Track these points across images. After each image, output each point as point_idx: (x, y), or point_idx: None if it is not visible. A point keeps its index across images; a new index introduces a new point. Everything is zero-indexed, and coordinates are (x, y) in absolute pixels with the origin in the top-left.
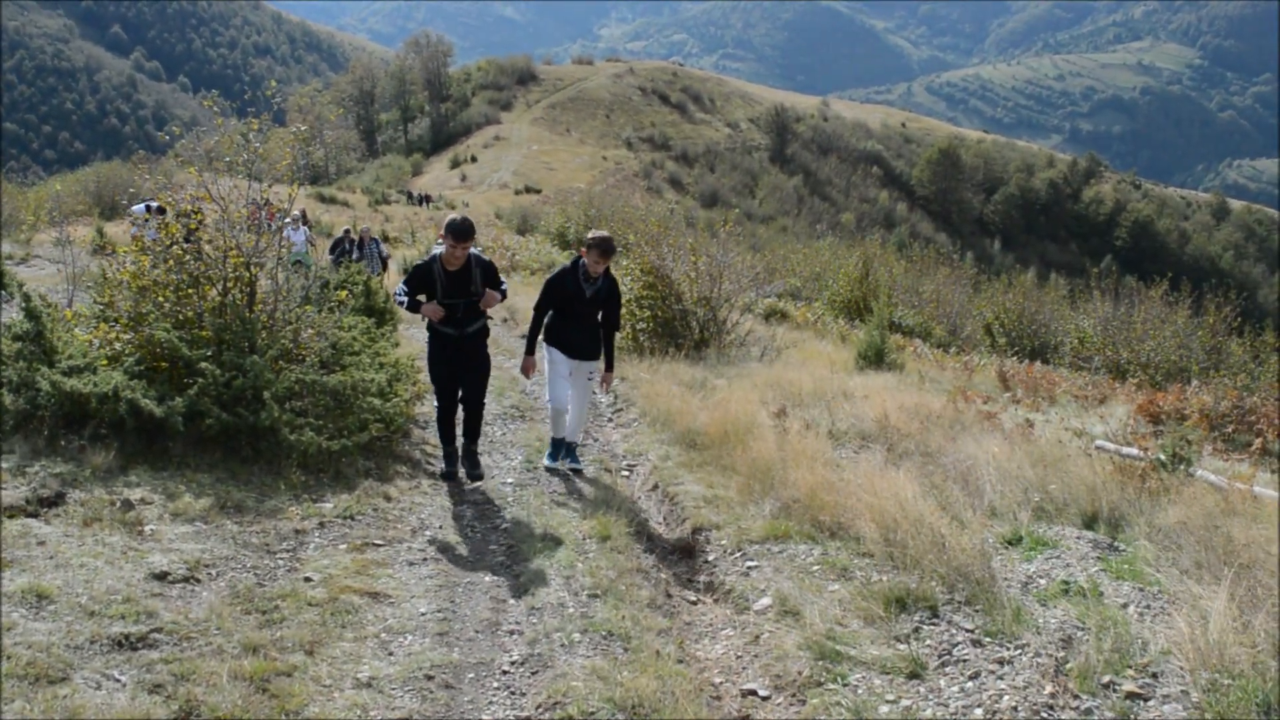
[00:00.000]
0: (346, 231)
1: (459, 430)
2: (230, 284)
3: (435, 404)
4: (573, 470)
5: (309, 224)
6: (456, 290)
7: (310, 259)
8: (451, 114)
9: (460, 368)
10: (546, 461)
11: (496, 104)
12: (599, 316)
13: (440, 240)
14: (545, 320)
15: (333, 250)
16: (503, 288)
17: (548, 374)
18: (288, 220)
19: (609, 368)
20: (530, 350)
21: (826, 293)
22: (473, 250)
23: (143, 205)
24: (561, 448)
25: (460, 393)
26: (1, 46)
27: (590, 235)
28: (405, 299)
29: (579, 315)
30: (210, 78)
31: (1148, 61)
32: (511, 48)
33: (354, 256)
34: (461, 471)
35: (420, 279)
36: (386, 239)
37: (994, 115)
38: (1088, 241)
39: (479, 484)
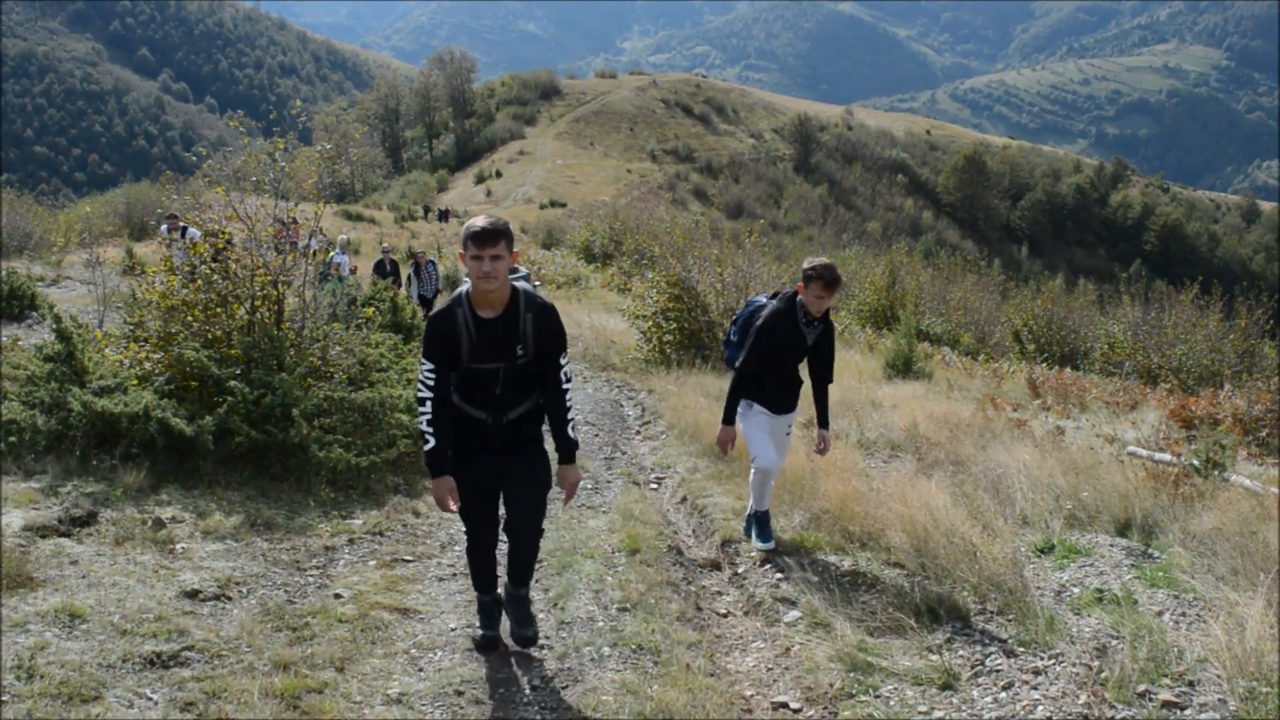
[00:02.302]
0: (386, 252)
1: (500, 569)
2: (258, 302)
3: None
4: (764, 550)
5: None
6: (493, 350)
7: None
8: (476, 130)
9: (500, 475)
10: (758, 543)
11: (520, 119)
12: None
13: (463, 260)
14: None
15: (375, 272)
16: (564, 371)
17: (754, 433)
18: (337, 249)
19: (825, 424)
20: (730, 418)
21: (853, 301)
22: (519, 278)
23: (165, 227)
24: (767, 521)
25: (502, 516)
26: (25, 69)
27: (809, 264)
28: (428, 393)
29: (786, 365)
30: (237, 98)
31: (1174, 64)
32: (534, 62)
33: (409, 278)
34: (505, 632)
35: (438, 340)
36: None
37: (1019, 121)
38: (1116, 246)
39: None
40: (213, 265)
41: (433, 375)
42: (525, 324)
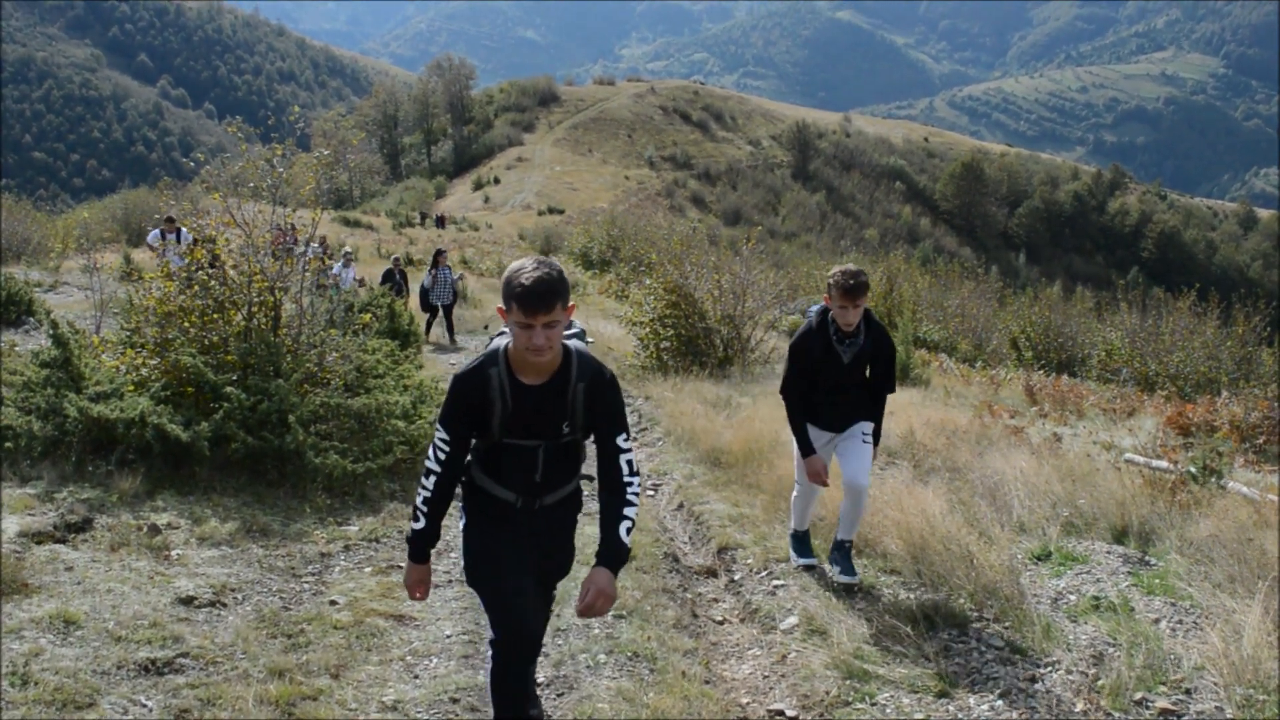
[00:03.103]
0: (396, 261)
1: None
2: (255, 308)
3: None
4: (844, 585)
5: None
6: (533, 424)
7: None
8: (474, 136)
9: (536, 570)
10: (798, 559)
11: (519, 125)
12: (862, 378)
13: (501, 327)
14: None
15: (384, 282)
16: (625, 459)
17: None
18: (339, 261)
19: (876, 439)
20: (806, 448)
21: None
22: (572, 334)
23: (156, 231)
24: (836, 547)
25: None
26: (24, 74)
27: (831, 274)
28: (436, 467)
29: (837, 386)
30: (235, 104)
31: (1171, 71)
32: (533, 69)
33: (426, 283)
34: None
35: (462, 405)
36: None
37: (1017, 128)
38: (1114, 253)
39: None
40: (209, 271)
41: (447, 447)
42: (576, 395)
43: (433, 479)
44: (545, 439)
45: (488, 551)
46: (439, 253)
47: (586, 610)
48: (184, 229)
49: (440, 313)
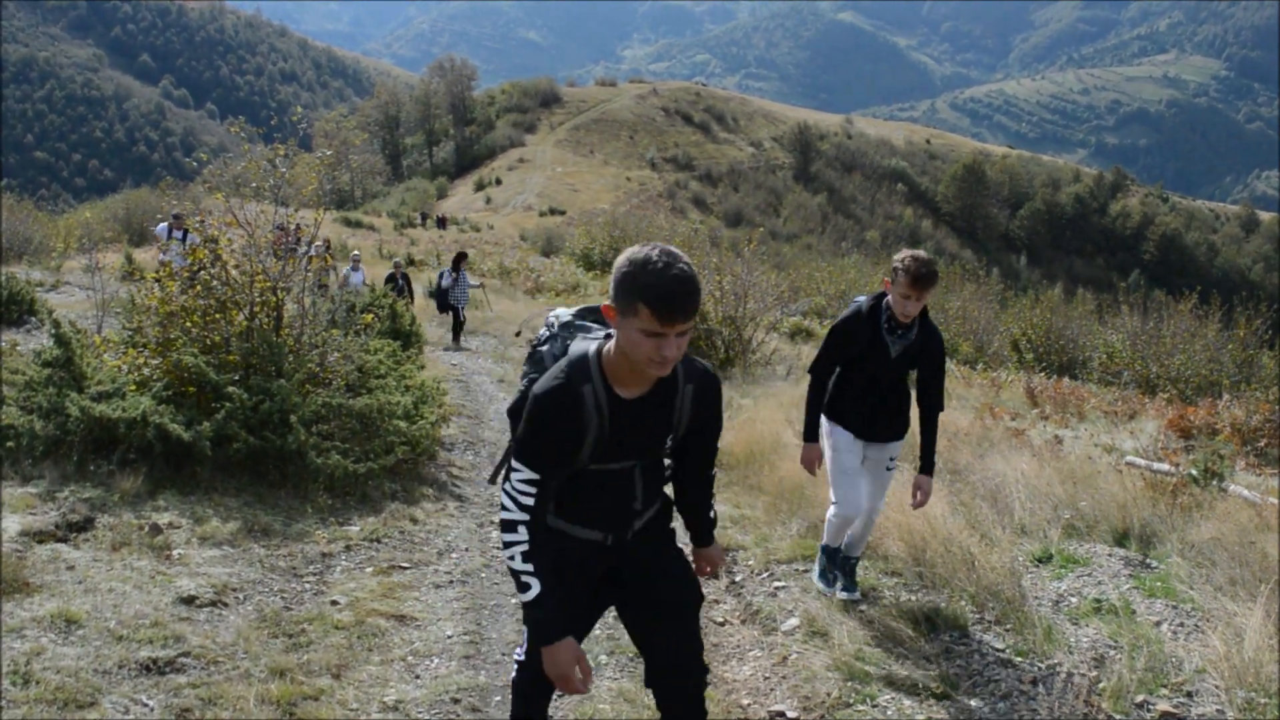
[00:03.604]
0: (398, 264)
1: None
2: (257, 308)
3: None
4: (849, 600)
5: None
6: (632, 442)
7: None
8: (476, 137)
9: (600, 605)
10: (818, 583)
11: (520, 126)
12: (905, 381)
13: (611, 318)
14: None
15: (385, 284)
16: (714, 453)
17: (830, 464)
18: (349, 264)
19: (928, 469)
20: (812, 435)
21: None
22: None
23: (165, 225)
24: (838, 562)
25: (663, 659)
26: (27, 74)
27: (898, 256)
28: (522, 515)
29: (876, 380)
30: (237, 104)
31: (1173, 74)
32: (535, 70)
33: (445, 283)
34: None
35: (554, 433)
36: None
37: (1019, 130)
38: (1115, 256)
39: None
40: (212, 271)
41: (533, 489)
42: (683, 402)
43: (522, 530)
44: (642, 458)
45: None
46: (462, 256)
47: (714, 574)
48: (189, 230)
49: (456, 313)
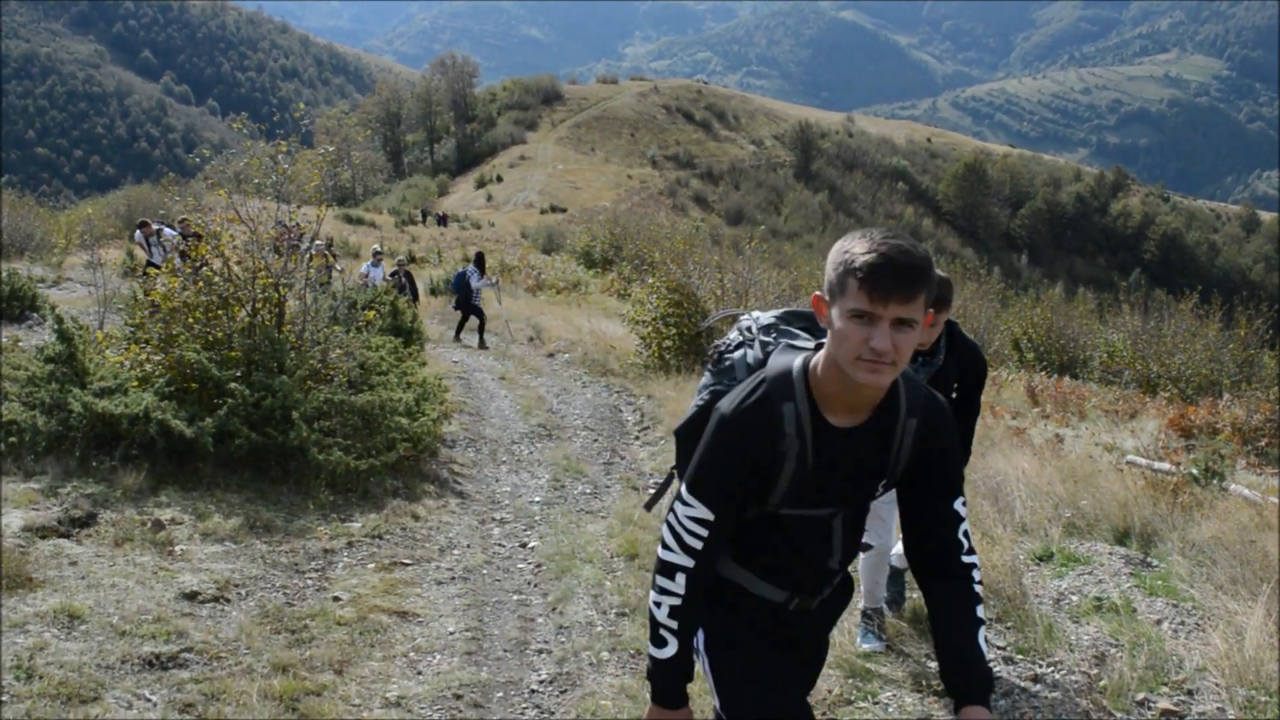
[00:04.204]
0: (400, 263)
1: None
2: (259, 305)
3: None
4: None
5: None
6: (837, 484)
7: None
8: (477, 134)
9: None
10: (864, 643)
11: (522, 124)
12: None
13: (821, 313)
14: None
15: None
16: (965, 528)
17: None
18: (369, 260)
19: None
20: None
21: None
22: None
23: (140, 234)
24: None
25: None
26: (28, 70)
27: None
28: (689, 560)
29: None
30: (239, 100)
31: (1175, 73)
32: (536, 68)
33: (474, 284)
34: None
35: (738, 464)
36: (410, 260)
37: (1020, 129)
38: (1116, 255)
39: (506, 502)
40: (213, 268)
41: (706, 531)
42: (904, 437)
43: (683, 578)
44: (844, 506)
45: (759, 683)
46: (481, 257)
47: None
48: (166, 228)
49: (472, 313)
